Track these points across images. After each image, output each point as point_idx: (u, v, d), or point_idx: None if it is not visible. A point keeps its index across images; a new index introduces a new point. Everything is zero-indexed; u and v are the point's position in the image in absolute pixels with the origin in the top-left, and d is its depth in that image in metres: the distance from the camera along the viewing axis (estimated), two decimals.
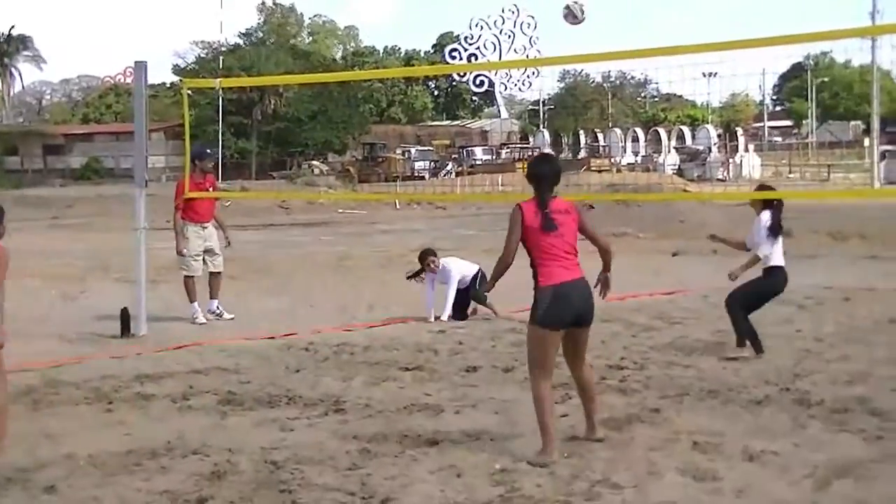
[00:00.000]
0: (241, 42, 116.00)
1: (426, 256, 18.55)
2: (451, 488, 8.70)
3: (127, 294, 17.90)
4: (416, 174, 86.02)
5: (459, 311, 18.12)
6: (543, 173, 10.05)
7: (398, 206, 54.97)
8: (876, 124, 74.04)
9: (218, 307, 18.35)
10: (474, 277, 18.12)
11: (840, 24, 66.95)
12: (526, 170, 10.44)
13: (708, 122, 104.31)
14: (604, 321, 17.50)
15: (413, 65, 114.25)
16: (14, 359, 14.59)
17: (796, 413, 11.20)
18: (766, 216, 14.39)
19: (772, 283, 14.55)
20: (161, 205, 27.88)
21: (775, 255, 14.35)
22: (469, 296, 18.19)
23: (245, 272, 21.20)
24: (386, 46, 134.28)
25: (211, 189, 18.91)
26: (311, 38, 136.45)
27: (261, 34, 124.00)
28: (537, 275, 9.79)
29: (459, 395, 12.13)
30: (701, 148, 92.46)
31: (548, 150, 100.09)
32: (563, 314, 9.68)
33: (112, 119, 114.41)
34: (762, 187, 16.07)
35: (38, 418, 11.49)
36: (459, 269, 18.26)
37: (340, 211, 56.17)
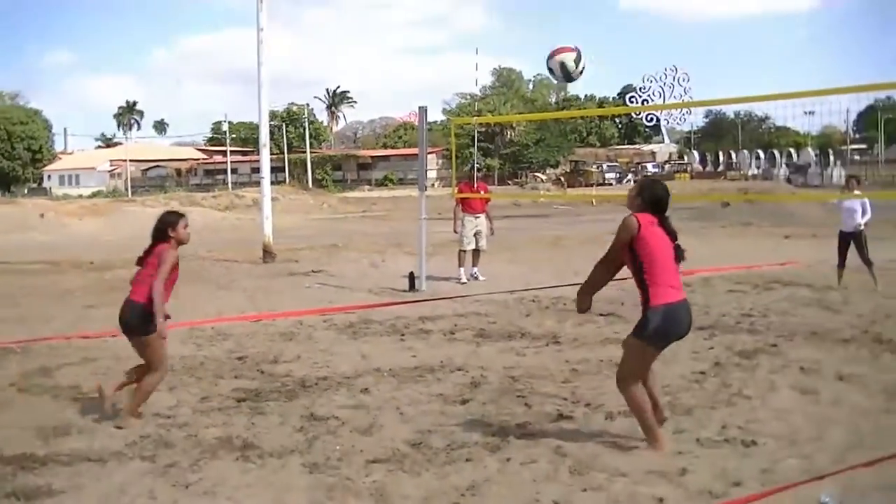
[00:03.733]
0: (486, 93, 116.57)
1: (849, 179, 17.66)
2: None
3: (413, 262, 18.12)
4: (607, 182, 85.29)
5: None
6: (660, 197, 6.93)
7: (594, 204, 54.49)
8: None
9: (476, 273, 18.46)
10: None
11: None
12: (643, 193, 6.96)
13: (808, 146, 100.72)
14: (737, 283, 17.16)
15: (604, 107, 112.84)
16: (342, 304, 15.10)
17: (872, 347, 10.80)
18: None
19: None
20: (433, 203, 28.23)
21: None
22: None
23: (492, 248, 21.20)
24: (585, 94, 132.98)
25: (482, 192, 19.10)
26: (533, 89, 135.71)
27: (498, 88, 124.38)
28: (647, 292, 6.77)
29: None
30: (803, 163, 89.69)
31: (695, 165, 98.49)
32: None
33: (402, 145, 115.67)
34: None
35: (356, 344, 11.74)
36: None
37: (555, 206, 56.01)
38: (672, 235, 6.88)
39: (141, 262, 8.01)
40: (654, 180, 7.40)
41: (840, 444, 7.09)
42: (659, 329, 6.75)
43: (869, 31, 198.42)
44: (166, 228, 7.94)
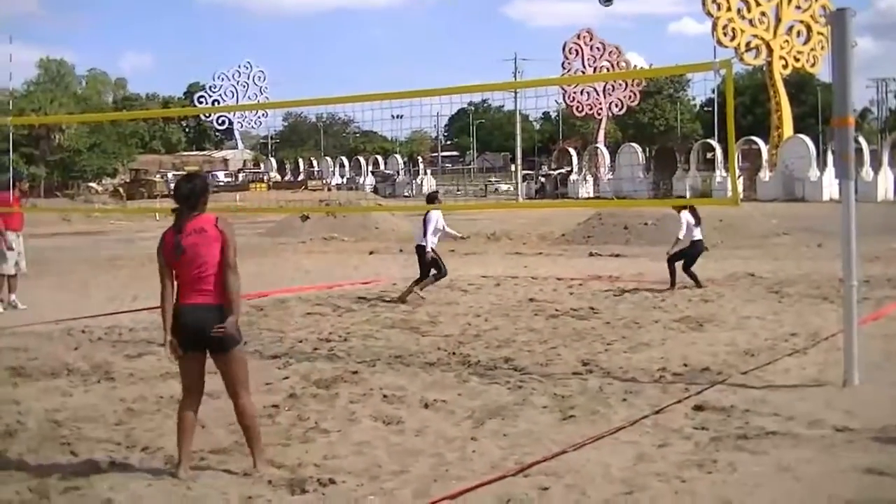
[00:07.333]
0: (32, 89, 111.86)
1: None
2: (196, 437, 8.56)
3: None
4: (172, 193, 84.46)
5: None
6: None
7: (158, 218, 53.77)
8: (519, 155, 75.93)
9: (15, 301, 17.72)
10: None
11: (493, 79, 69.16)
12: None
13: (397, 153, 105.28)
14: (316, 304, 17.56)
15: (169, 107, 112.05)
16: None
17: (460, 371, 11.41)
18: (686, 215, 18.37)
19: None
20: None
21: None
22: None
23: (35, 271, 20.41)
24: (147, 93, 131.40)
25: (17, 206, 18.37)
26: (86, 86, 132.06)
27: (43, 84, 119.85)
28: None
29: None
30: (391, 172, 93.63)
31: (273, 174, 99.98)
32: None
33: None
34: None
35: None
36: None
37: (112, 222, 54.72)
38: (176, 229, 7.64)
39: None
40: (185, 174, 8.69)
41: (424, 476, 7.42)
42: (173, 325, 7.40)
43: (462, 31, 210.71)
44: None
